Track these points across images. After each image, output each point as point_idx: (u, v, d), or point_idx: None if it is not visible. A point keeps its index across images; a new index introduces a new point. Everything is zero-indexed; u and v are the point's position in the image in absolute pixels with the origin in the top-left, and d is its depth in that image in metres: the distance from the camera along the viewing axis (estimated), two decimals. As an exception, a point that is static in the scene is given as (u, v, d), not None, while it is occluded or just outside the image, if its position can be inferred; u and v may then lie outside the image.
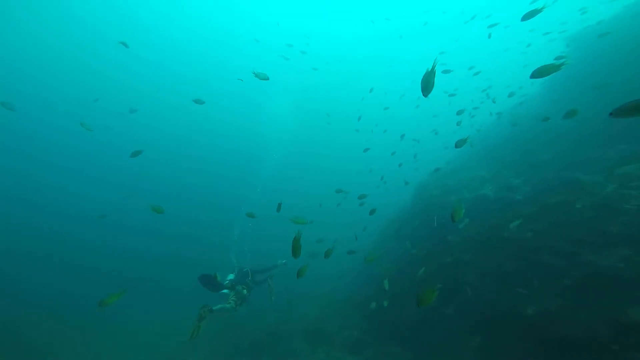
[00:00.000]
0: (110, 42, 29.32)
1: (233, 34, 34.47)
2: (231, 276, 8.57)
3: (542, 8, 4.42)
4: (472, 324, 5.79)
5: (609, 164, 4.92)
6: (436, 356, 6.01)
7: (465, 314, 6.23)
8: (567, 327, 4.25)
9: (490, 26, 11.40)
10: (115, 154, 28.07)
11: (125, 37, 29.88)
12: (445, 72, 9.07)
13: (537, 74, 3.27)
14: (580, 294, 4.42)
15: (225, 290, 8.32)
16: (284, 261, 9.94)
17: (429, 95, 3.15)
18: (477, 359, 5.27)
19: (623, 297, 3.90)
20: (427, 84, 2.98)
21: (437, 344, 6.16)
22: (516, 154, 7.22)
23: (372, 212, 7.02)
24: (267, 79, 6.23)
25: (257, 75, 6.23)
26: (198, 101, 6.69)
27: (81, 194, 28.24)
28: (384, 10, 31.18)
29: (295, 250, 4.06)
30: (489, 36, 13.38)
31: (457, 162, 9.89)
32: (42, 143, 31.47)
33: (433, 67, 2.88)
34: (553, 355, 4.29)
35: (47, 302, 12.98)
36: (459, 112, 6.60)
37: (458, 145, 5.28)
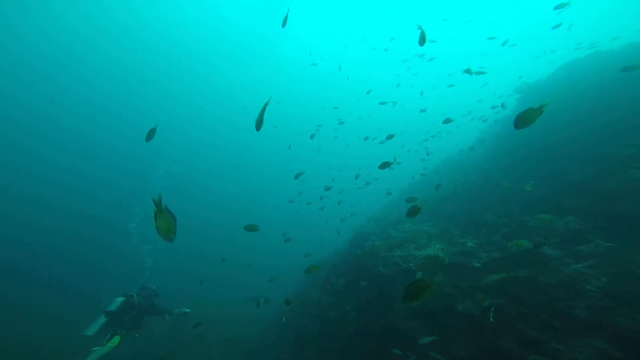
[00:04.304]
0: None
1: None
2: (119, 300, 6.24)
3: None
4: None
5: (565, 236, 4.72)
6: None
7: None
8: None
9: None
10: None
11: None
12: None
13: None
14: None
15: (90, 331, 5.79)
16: (187, 310, 7.45)
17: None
18: None
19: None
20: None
21: None
22: (460, 211, 7.02)
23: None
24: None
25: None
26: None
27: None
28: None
29: None
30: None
31: (395, 210, 9.49)
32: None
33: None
34: None
35: None
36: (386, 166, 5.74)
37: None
